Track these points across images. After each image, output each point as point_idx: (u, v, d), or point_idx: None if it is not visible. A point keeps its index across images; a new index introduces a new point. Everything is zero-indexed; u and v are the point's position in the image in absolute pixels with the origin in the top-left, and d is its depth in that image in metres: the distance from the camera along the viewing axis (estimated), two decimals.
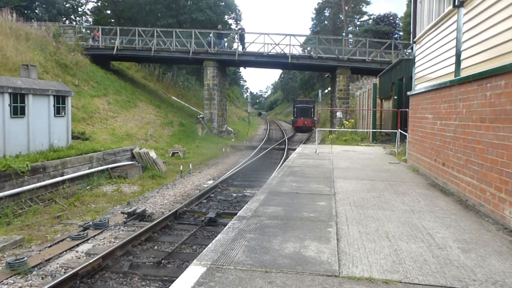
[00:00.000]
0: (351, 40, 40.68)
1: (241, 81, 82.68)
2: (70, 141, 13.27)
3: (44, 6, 35.94)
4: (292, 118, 44.05)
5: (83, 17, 44.55)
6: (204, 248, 3.40)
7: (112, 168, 12.81)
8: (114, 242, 6.90)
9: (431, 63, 7.18)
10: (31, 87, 11.38)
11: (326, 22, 58.44)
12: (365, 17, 53.93)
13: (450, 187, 5.80)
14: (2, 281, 5.36)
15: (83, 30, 29.09)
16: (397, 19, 44.35)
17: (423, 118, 7.59)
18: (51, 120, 12.21)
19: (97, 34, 27.49)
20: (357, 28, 51.67)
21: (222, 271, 2.88)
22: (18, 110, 10.90)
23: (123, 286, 5.31)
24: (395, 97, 15.04)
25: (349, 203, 5.06)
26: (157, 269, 5.78)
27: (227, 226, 4.00)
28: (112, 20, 41.86)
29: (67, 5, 40.43)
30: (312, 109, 39.92)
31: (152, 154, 14.49)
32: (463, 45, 5.39)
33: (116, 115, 21.32)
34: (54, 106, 12.33)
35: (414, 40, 8.60)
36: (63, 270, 5.72)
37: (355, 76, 37.14)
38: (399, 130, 11.48)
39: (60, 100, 12.63)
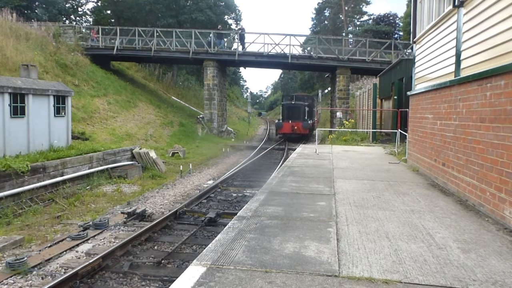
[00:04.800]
0: (351, 40, 40.67)
1: (241, 81, 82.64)
2: (70, 141, 13.27)
3: (44, 6, 35.93)
4: (277, 121, 30.75)
5: (83, 17, 44.54)
6: (204, 248, 3.40)
7: (112, 168, 12.81)
8: (114, 242, 6.90)
9: (431, 63, 7.18)
10: (31, 87, 11.38)
11: (326, 22, 58.38)
12: (365, 17, 53.97)
13: (450, 187, 5.80)
14: (2, 281, 5.36)
15: (83, 30, 29.08)
16: (397, 19, 44.33)
17: (423, 118, 7.59)
18: (51, 120, 12.21)
19: (95, 34, 27.48)
20: (357, 28, 51.65)
21: (222, 271, 2.87)
22: (18, 110, 10.90)
23: (123, 286, 5.31)
24: (395, 97, 15.05)
25: (349, 203, 5.06)
26: (157, 269, 5.78)
27: (227, 226, 4.00)
28: (112, 20, 41.82)
29: (67, 5, 40.43)
30: (307, 108, 28.17)
31: (152, 154, 14.49)
32: (463, 45, 5.39)
33: (116, 115, 21.32)
34: (54, 106, 12.33)
35: (414, 40, 8.60)
36: (63, 270, 5.72)
37: (355, 76, 37.11)
38: (399, 130, 11.49)
39: (60, 100, 12.63)
